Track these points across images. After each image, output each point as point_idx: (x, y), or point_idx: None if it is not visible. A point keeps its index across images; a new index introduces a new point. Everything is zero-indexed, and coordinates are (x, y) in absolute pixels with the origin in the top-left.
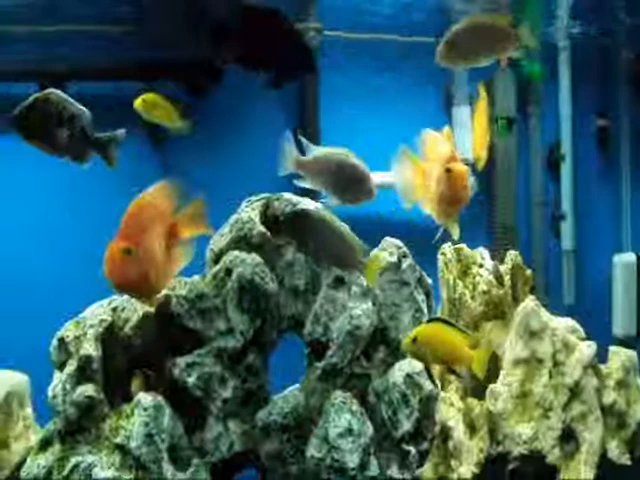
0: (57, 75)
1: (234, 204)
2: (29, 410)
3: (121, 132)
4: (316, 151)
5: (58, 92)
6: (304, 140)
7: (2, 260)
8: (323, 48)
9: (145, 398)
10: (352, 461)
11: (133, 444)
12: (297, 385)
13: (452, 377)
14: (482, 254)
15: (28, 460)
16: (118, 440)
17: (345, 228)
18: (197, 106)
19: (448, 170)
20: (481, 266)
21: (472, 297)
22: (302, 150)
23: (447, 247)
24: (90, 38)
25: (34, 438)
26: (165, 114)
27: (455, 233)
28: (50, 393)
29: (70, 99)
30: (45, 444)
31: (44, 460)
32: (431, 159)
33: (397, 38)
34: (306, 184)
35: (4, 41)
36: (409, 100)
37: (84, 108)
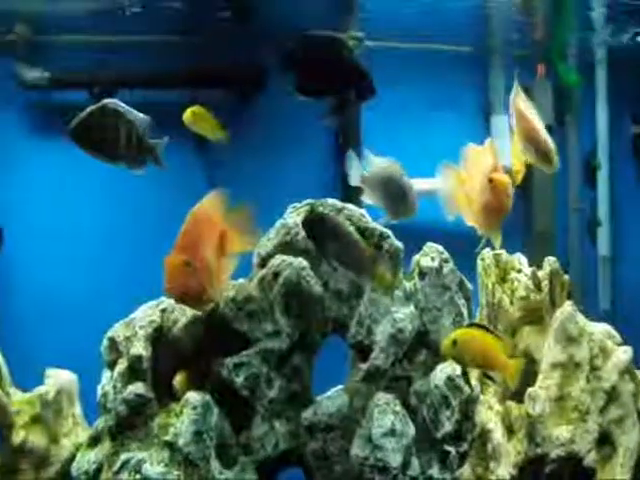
0: (107, 83)
1: (276, 208)
2: (78, 408)
3: (165, 138)
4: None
5: (114, 101)
6: (367, 152)
7: (58, 266)
8: (363, 57)
9: (194, 397)
10: (395, 460)
11: (182, 441)
12: (340, 386)
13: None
14: (520, 260)
15: (78, 456)
16: (167, 437)
17: (358, 236)
18: (243, 112)
19: (491, 180)
20: (519, 272)
21: (510, 302)
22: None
23: (486, 253)
24: (141, 47)
25: (82, 435)
26: (209, 127)
27: (498, 242)
28: (100, 391)
29: (127, 107)
30: (94, 441)
31: (94, 456)
32: (474, 171)
33: (436, 47)
34: (367, 199)
35: (57, 50)
36: (448, 108)
37: (141, 115)
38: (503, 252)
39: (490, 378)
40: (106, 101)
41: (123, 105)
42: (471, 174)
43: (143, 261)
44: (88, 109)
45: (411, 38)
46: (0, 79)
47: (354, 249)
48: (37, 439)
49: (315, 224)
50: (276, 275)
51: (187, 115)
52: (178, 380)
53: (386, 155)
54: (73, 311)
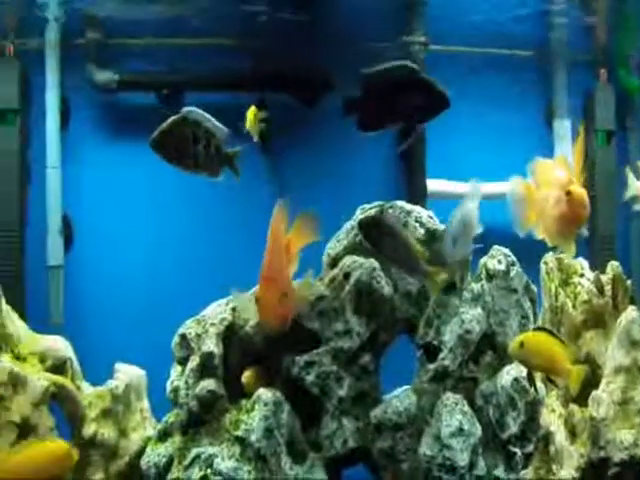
0: (175, 85)
1: (341, 209)
2: (146, 402)
3: (240, 147)
4: None
5: (195, 111)
6: None
7: (128, 263)
8: (428, 61)
9: (265, 394)
10: (462, 460)
11: (253, 437)
12: (407, 386)
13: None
14: (582, 264)
15: (147, 449)
16: (238, 433)
17: (411, 238)
18: (309, 114)
19: (569, 192)
20: (582, 276)
21: (573, 306)
22: None
23: (549, 256)
24: (208, 50)
25: (150, 429)
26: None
27: (572, 253)
28: (169, 387)
29: (207, 116)
30: (164, 435)
31: (164, 450)
32: (546, 184)
33: (498, 51)
34: None
35: (127, 53)
36: (510, 113)
37: (220, 125)
38: (565, 256)
39: (553, 382)
40: (187, 110)
41: (203, 114)
42: (542, 188)
43: (212, 259)
44: (169, 119)
45: (474, 42)
46: (72, 81)
47: (406, 249)
48: (107, 432)
49: (371, 224)
50: (347, 275)
51: (250, 117)
52: (247, 377)
53: (447, 158)
54: (142, 308)
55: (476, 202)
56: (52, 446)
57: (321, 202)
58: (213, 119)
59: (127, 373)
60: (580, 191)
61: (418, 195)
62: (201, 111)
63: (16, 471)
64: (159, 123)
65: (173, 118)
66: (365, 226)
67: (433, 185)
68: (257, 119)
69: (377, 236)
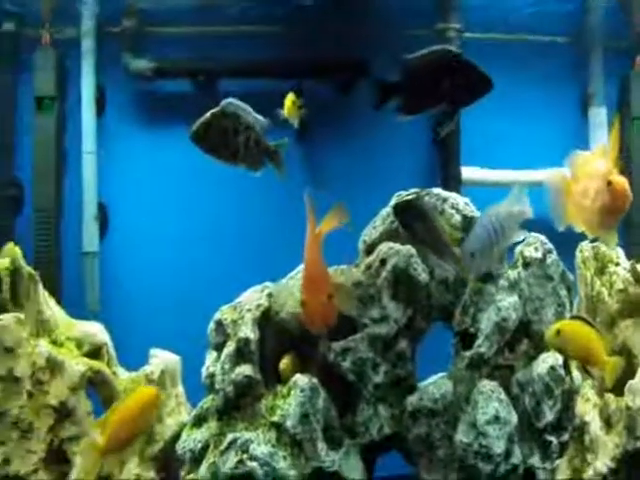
0: (211, 72)
1: (375, 197)
2: (180, 388)
3: (285, 140)
4: None
5: (235, 103)
6: None
7: (162, 249)
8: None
9: (302, 380)
10: (498, 447)
11: (289, 423)
12: (442, 373)
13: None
14: (618, 253)
15: (183, 435)
16: (275, 419)
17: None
18: (344, 101)
19: (610, 183)
20: (617, 265)
21: (609, 295)
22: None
23: (585, 245)
24: (244, 37)
25: (185, 414)
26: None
27: (613, 244)
28: (204, 373)
29: (247, 109)
30: (199, 420)
31: (200, 435)
32: (585, 176)
33: (534, 38)
34: None
35: (163, 40)
36: (546, 100)
37: (260, 117)
38: (601, 245)
39: (588, 372)
40: (226, 102)
41: (243, 106)
42: (581, 180)
43: (247, 246)
44: (209, 112)
45: (509, 29)
46: (107, 69)
47: (438, 234)
48: None
49: (405, 209)
50: (384, 262)
51: (288, 104)
52: (284, 363)
53: (482, 145)
54: (176, 294)
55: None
56: (141, 393)
57: (355, 189)
58: (252, 111)
59: (162, 359)
60: (621, 181)
61: (452, 182)
62: (240, 102)
63: (120, 429)
64: (199, 114)
65: (213, 110)
66: (400, 210)
67: (467, 172)
68: (296, 106)
69: (411, 220)
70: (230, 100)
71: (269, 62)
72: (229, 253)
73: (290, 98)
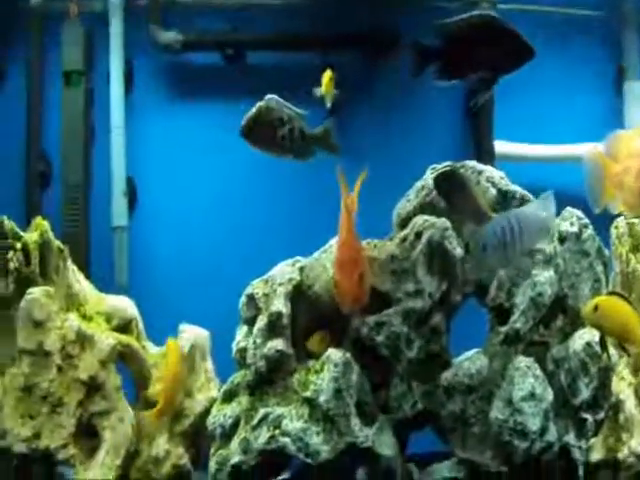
0: (240, 45)
1: (406, 170)
2: (210, 363)
3: (330, 122)
4: None
5: (276, 98)
6: None
7: (193, 224)
8: None
9: (335, 354)
10: (534, 424)
11: (322, 398)
12: (475, 349)
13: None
14: None
15: (213, 410)
16: (307, 394)
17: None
18: (374, 75)
19: None
20: None
21: None
22: None
23: (620, 221)
24: (272, 9)
25: (215, 390)
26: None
27: None
28: (235, 347)
29: (287, 103)
30: (230, 396)
31: (230, 410)
32: (626, 156)
33: (568, 11)
34: None
35: (191, 12)
36: (580, 74)
37: (299, 110)
38: (637, 222)
39: (625, 349)
40: (268, 97)
41: (282, 101)
42: (621, 160)
43: (278, 220)
44: (255, 107)
45: (544, 1)
46: (135, 42)
47: (476, 203)
48: None
49: (444, 178)
50: (419, 235)
51: (326, 81)
52: (315, 338)
53: (516, 119)
54: (205, 269)
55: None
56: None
57: (387, 164)
58: (290, 104)
59: (192, 333)
60: None
61: (486, 157)
62: (278, 97)
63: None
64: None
65: (259, 105)
66: (439, 181)
67: (501, 147)
68: (333, 83)
69: (450, 190)
70: (271, 96)
71: (298, 34)
72: (259, 227)
73: (328, 75)
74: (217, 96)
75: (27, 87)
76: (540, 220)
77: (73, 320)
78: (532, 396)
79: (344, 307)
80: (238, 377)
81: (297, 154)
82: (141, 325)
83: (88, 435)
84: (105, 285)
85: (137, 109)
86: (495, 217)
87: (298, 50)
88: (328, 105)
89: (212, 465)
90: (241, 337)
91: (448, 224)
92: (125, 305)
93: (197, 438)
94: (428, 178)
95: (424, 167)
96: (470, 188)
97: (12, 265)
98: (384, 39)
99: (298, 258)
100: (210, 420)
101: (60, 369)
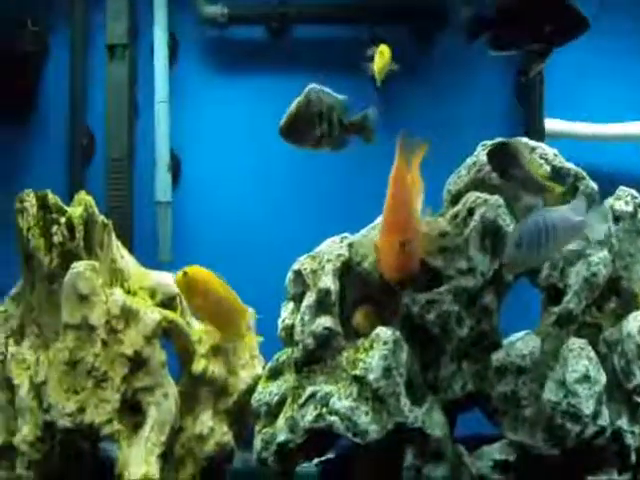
0: (285, 18)
1: (454, 147)
2: (254, 340)
3: (372, 110)
4: None
5: (315, 88)
6: None
7: (238, 200)
8: None
9: (385, 332)
10: (587, 407)
11: (371, 376)
12: (525, 331)
13: None
14: None
15: (258, 387)
16: (356, 372)
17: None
18: (421, 49)
19: None
20: None
21: None
22: None
23: None
24: None
25: (259, 367)
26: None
27: None
28: (280, 325)
29: (326, 90)
30: (275, 373)
31: (276, 388)
32: None
33: None
34: None
35: None
36: (635, 50)
37: (339, 96)
38: None
39: None
40: (309, 89)
41: (324, 89)
42: None
43: (323, 195)
44: (294, 104)
45: None
46: (180, 16)
47: (528, 173)
48: (217, 369)
49: (497, 152)
50: (471, 211)
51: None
52: (360, 315)
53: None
54: (249, 245)
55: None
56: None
57: (436, 140)
58: (332, 92)
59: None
60: None
61: (537, 134)
62: (320, 87)
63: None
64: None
65: (298, 100)
66: (492, 152)
67: (551, 125)
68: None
69: (503, 162)
70: (313, 86)
71: (344, 7)
72: (304, 203)
73: (384, 50)
74: (262, 71)
75: (71, 61)
76: (573, 223)
77: (118, 295)
78: (586, 378)
79: (385, 275)
80: (284, 355)
81: (334, 146)
82: (185, 302)
83: (132, 411)
84: (148, 260)
85: (181, 83)
86: (530, 215)
87: (344, 24)
88: (378, 82)
89: (257, 443)
90: (287, 314)
91: (501, 201)
92: (169, 281)
93: (240, 415)
94: (479, 154)
95: (473, 144)
96: (524, 160)
97: (56, 239)
98: (433, 13)
99: (346, 234)
100: (255, 398)
101: (105, 344)
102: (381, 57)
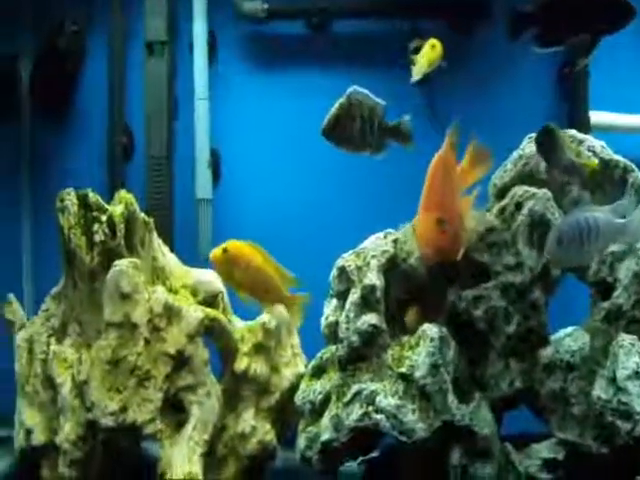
0: (325, 13)
1: (498, 140)
2: (296, 338)
3: (406, 118)
4: None
5: (357, 90)
6: None
7: (278, 197)
8: None
9: (431, 329)
10: (638, 405)
11: (418, 374)
12: (571, 327)
13: None
14: None
15: (302, 385)
16: (402, 369)
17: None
18: (463, 43)
19: None
20: None
21: None
22: None
23: None
24: None
25: (301, 365)
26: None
27: None
28: (323, 322)
29: (366, 92)
30: (318, 371)
31: (320, 386)
32: None
33: None
34: None
35: None
36: None
37: (379, 100)
38: None
39: None
40: (350, 91)
41: (365, 92)
42: None
43: (365, 194)
44: (336, 106)
45: None
46: (219, 12)
47: (572, 161)
48: (260, 367)
49: (545, 137)
50: (519, 205)
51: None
52: (412, 312)
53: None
54: (289, 243)
55: None
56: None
57: (480, 134)
58: (372, 95)
59: (278, 308)
60: None
61: (581, 127)
62: (362, 89)
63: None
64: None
65: (340, 102)
66: (540, 137)
67: (597, 117)
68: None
69: (550, 148)
70: (354, 87)
71: (384, 1)
72: (345, 200)
73: (436, 44)
74: (301, 66)
75: (109, 59)
76: (616, 227)
77: (160, 292)
78: (637, 375)
79: (421, 253)
80: (327, 352)
81: (374, 150)
82: (227, 299)
83: (175, 410)
84: (189, 258)
85: (220, 80)
86: (573, 212)
87: (385, 18)
88: (416, 77)
89: (301, 442)
90: (330, 311)
91: (549, 194)
92: (211, 278)
93: (283, 414)
94: (525, 147)
95: (517, 138)
96: (568, 147)
97: (97, 238)
98: (474, 6)
99: (390, 230)
100: (299, 396)
101: (147, 342)
102: (433, 51)
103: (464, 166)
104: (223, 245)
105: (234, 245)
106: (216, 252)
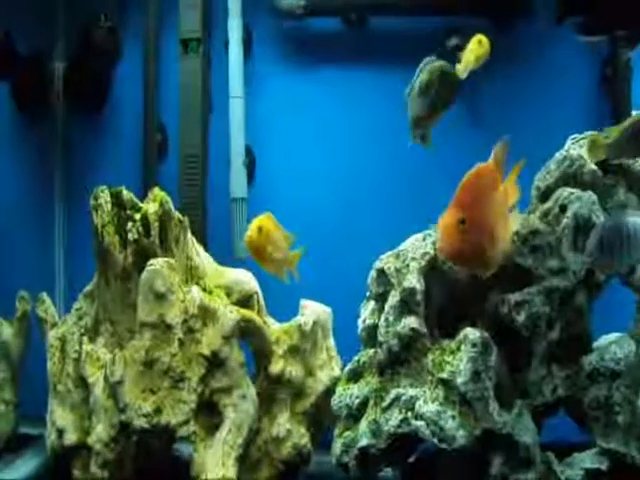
0: (363, 9)
1: (537, 142)
2: (332, 341)
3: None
4: None
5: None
6: None
7: (313, 198)
8: None
9: (473, 334)
10: None
11: (459, 380)
12: (617, 333)
13: None
14: None
15: (339, 389)
16: (443, 375)
17: None
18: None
19: None
20: None
21: None
22: None
23: None
24: None
25: (337, 368)
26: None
27: None
28: (360, 325)
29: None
30: (355, 375)
31: (357, 390)
32: None
33: None
34: None
35: None
36: None
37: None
38: None
39: None
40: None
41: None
42: None
43: (402, 192)
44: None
45: None
46: (254, 8)
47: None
48: (295, 370)
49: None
50: (564, 208)
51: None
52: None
53: None
54: (325, 243)
55: None
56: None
57: (520, 135)
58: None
59: (314, 310)
60: None
61: None
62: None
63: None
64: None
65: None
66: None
67: None
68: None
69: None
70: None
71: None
72: (382, 199)
73: (483, 41)
74: (338, 63)
75: (144, 56)
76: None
77: (195, 293)
78: None
79: (437, 249)
80: (364, 356)
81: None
82: (262, 300)
83: (209, 412)
84: (223, 258)
85: (256, 77)
86: (615, 216)
87: (423, 15)
88: (464, 74)
89: (337, 447)
90: (368, 314)
91: (594, 197)
92: (246, 279)
93: (317, 417)
94: (569, 149)
95: (559, 138)
96: None
97: (131, 236)
98: (517, 3)
99: (429, 232)
100: (335, 400)
101: (182, 343)
102: (480, 47)
103: (507, 185)
104: (256, 223)
105: (261, 222)
106: (249, 234)
